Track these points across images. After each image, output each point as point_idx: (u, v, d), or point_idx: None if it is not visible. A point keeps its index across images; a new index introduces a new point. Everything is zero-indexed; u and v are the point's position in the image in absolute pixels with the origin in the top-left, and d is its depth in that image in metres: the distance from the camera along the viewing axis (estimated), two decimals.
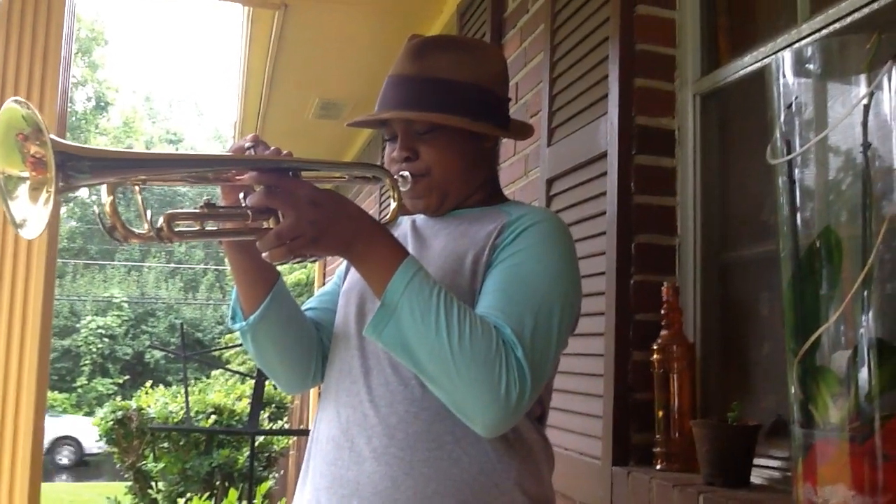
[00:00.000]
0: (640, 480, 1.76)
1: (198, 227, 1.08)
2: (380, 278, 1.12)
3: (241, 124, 5.95)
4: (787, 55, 1.30)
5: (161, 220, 1.01)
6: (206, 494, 5.69)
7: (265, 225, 1.11)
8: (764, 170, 1.89)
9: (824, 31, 1.58)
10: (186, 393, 3.43)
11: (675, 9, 2.06)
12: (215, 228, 1.13)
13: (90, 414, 20.00)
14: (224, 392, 7.46)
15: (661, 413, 1.82)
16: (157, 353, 25.91)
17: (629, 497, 1.80)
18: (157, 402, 7.09)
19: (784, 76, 1.30)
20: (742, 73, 1.86)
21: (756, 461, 1.62)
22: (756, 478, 1.63)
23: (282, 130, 5.71)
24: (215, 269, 30.23)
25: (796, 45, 1.63)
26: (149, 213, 1.00)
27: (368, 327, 1.11)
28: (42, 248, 2.67)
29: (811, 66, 1.29)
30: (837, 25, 1.55)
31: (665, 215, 2.00)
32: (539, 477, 1.27)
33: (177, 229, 1.03)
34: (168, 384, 10.26)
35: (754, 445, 1.60)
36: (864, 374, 1.20)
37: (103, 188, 0.98)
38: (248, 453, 6.78)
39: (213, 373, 16.45)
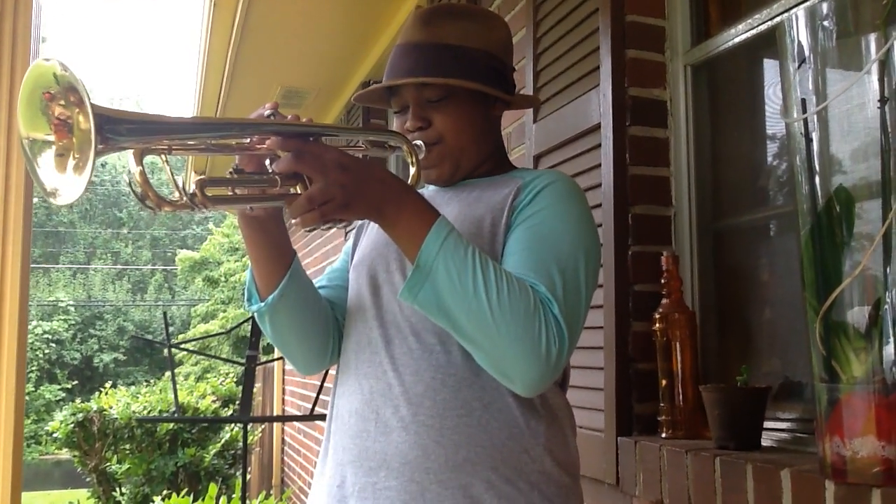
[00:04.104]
0: (648, 449, 1.76)
1: (229, 193, 1.06)
2: (412, 240, 1.10)
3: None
4: (800, 13, 1.30)
5: (194, 187, 0.99)
6: (183, 492, 5.57)
7: (292, 191, 1.09)
8: (755, 137, 1.92)
9: None
10: (174, 380, 3.33)
11: None
12: (245, 194, 1.10)
13: (39, 422, 19.46)
14: (186, 390, 7.33)
15: (664, 382, 1.82)
16: (106, 357, 25.39)
17: (637, 467, 1.80)
18: (118, 402, 6.93)
19: (797, 34, 1.31)
20: (732, 42, 1.87)
21: (764, 424, 1.64)
22: (766, 440, 1.64)
23: None
24: (163, 270, 29.73)
25: (802, 6, 1.63)
26: (179, 179, 0.98)
27: (404, 290, 1.09)
28: (17, 240, 2.56)
29: (826, 23, 1.29)
30: None
31: (660, 186, 2.00)
32: (565, 442, 1.26)
33: (209, 195, 1.00)
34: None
35: (764, 408, 1.61)
36: (886, 326, 1.21)
37: (130, 158, 0.95)
38: (213, 451, 6.70)
39: (168, 374, 16.19)
